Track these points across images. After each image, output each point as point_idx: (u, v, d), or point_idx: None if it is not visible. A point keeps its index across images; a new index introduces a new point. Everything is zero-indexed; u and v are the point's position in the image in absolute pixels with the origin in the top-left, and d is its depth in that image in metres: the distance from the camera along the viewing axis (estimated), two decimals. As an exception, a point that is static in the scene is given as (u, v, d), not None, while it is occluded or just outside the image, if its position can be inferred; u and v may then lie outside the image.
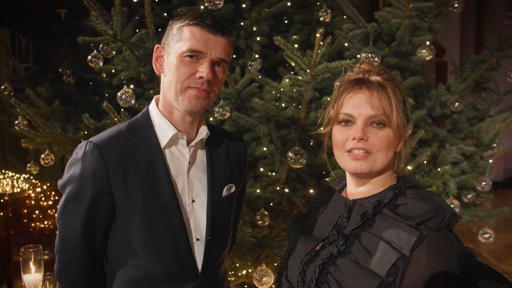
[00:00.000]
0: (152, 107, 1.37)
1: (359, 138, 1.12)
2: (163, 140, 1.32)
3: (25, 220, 3.51)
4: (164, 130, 1.32)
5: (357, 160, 1.13)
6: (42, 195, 3.65)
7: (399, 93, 1.15)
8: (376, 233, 1.07)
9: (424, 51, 2.55)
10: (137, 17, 2.92)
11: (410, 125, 1.19)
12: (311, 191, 2.52)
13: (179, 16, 1.31)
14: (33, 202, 3.57)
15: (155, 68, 1.35)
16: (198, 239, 1.35)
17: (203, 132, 1.37)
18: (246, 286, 2.87)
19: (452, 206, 2.59)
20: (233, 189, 1.44)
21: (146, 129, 1.33)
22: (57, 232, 1.34)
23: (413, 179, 1.17)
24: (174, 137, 1.32)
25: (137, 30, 2.67)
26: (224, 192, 1.41)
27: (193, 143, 1.35)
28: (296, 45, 2.83)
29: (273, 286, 1.34)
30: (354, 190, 1.21)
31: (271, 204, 2.62)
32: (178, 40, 1.26)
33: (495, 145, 2.84)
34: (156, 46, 1.34)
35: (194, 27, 1.25)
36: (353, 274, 1.05)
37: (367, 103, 1.12)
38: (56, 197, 3.70)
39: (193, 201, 1.35)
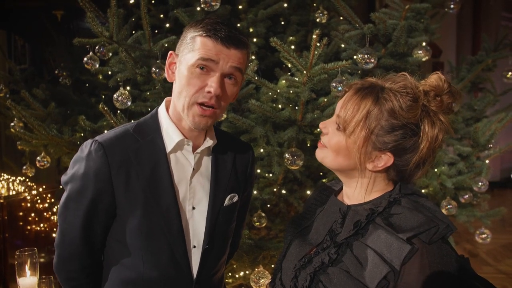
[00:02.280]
0: (162, 110, 1.35)
1: (320, 127, 1.19)
2: (169, 145, 1.30)
3: (21, 223, 3.49)
4: (170, 135, 1.31)
5: (319, 147, 1.20)
6: (38, 197, 3.63)
7: (383, 112, 1.08)
8: (368, 243, 1.06)
9: (421, 52, 2.55)
10: (133, 19, 2.91)
11: (389, 155, 1.10)
12: (308, 192, 2.51)
13: (195, 23, 1.26)
14: (28, 204, 3.55)
15: (167, 75, 1.32)
16: (194, 246, 1.34)
17: (211, 140, 1.35)
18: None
19: (449, 206, 2.60)
20: (235, 199, 1.42)
21: (153, 132, 1.31)
22: (56, 228, 1.35)
23: (410, 186, 1.14)
24: (180, 143, 1.31)
25: (134, 32, 2.66)
26: (226, 202, 1.39)
27: (199, 150, 1.33)
28: (292, 46, 2.83)
29: (268, 286, 1.33)
30: (346, 192, 1.20)
31: (268, 205, 2.62)
32: (190, 50, 1.23)
33: (491, 145, 2.84)
34: (170, 52, 1.31)
35: (206, 39, 1.21)
36: (343, 284, 1.04)
37: (343, 104, 1.13)
38: (52, 200, 3.69)
39: (193, 208, 1.34)
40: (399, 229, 1.04)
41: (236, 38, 1.22)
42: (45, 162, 2.81)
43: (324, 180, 2.47)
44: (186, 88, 1.23)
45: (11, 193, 3.53)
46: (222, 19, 1.27)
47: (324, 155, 1.17)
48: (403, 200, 1.10)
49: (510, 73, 2.99)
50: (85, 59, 2.57)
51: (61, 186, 1.42)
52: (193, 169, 1.33)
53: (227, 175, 1.39)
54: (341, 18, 2.95)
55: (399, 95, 1.09)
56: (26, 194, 3.55)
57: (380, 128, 1.09)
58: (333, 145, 1.14)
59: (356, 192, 1.17)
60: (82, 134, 2.63)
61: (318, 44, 2.02)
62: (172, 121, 1.31)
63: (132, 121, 1.78)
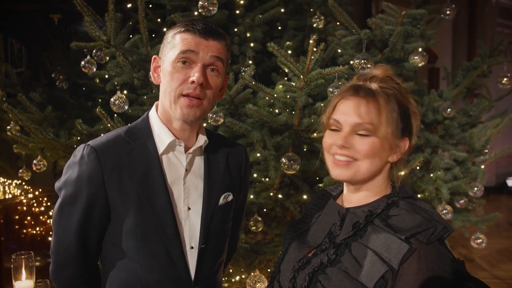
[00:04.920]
0: (152, 113, 1.37)
1: (340, 145, 1.13)
2: (161, 146, 1.32)
3: (17, 226, 3.48)
4: (162, 137, 1.32)
5: (339, 167, 1.14)
6: (34, 201, 3.62)
7: (394, 103, 1.13)
8: (366, 244, 1.07)
9: (417, 57, 2.57)
10: (130, 23, 2.91)
11: (406, 139, 1.16)
12: (305, 196, 2.52)
13: (174, 25, 1.32)
14: (24, 208, 3.54)
15: (153, 79, 1.36)
16: (192, 247, 1.35)
17: (202, 139, 1.37)
18: (239, 292, 2.87)
19: (444, 211, 2.61)
20: (230, 198, 1.42)
21: (145, 134, 1.33)
22: (52, 234, 1.35)
23: (408, 189, 1.16)
24: (172, 143, 1.32)
25: (131, 36, 2.67)
26: (221, 201, 1.40)
27: (191, 150, 1.35)
28: (289, 51, 2.84)
29: (265, 289, 1.34)
30: (348, 197, 1.21)
31: (265, 210, 2.62)
32: (171, 48, 1.28)
33: (487, 150, 2.86)
34: (153, 57, 1.35)
35: (185, 33, 1.26)
36: (342, 284, 1.05)
37: (354, 111, 1.12)
38: (49, 203, 3.67)
39: (189, 208, 1.35)
40: (398, 230, 1.05)
41: (214, 29, 1.29)
42: (41, 166, 2.80)
43: (320, 185, 2.47)
44: (170, 83, 1.27)
45: (7, 196, 3.52)
46: (199, 18, 1.31)
47: (357, 168, 1.13)
48: (401, 202, 1.12)
49: (505, 79, 3.01)
50: (83, 63, 2.57)
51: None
52: (186, 169, 1.34)
53: (220, 174, 1.41)
54: (338, 23, 2.97)
55: (392, 84, 1.16)
56: (22, 198, 3.54)
57: (397, 118, 1.13)
58: (367, 151, 1.12)
59: (361, 195, 1.18)
60: (78, 138, 2.63)
61: (315, 49, 2.03)
62: (163, 123, 1.33)
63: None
